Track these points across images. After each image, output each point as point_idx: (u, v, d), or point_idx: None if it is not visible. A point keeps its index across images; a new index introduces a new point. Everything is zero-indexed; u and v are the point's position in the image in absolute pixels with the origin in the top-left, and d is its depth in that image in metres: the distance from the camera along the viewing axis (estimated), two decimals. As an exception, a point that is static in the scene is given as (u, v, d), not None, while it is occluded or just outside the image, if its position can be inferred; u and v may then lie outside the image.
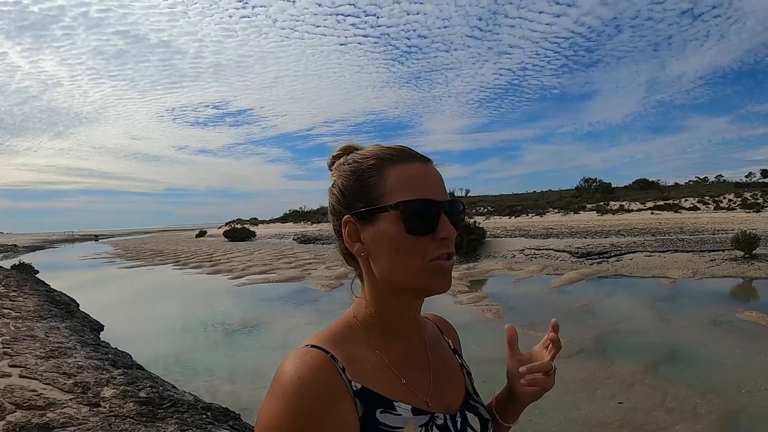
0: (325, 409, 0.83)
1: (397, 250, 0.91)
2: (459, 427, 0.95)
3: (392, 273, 0.92)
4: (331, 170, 1.02)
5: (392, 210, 0.90)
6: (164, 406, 4.86)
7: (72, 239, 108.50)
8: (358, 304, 0.99)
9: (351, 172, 0.96)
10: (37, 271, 22.56)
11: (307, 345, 0.91)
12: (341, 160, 1.00)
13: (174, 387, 6.68)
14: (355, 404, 0.86)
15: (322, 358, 0.87)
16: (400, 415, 0.88)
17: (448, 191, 0.99)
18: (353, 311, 0.99)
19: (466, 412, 1.00)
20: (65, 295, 15.04)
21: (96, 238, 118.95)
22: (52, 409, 3.99)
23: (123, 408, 4.43)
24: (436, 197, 0.93)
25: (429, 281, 0.92)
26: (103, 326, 11.79)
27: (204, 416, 5.00)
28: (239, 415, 6.07)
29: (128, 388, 5.07)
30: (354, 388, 0.87)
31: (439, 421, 0.93)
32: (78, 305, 13.89)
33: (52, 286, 16.66)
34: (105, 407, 4.35)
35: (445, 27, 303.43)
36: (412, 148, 0.99)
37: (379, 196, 0.92)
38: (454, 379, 1.06)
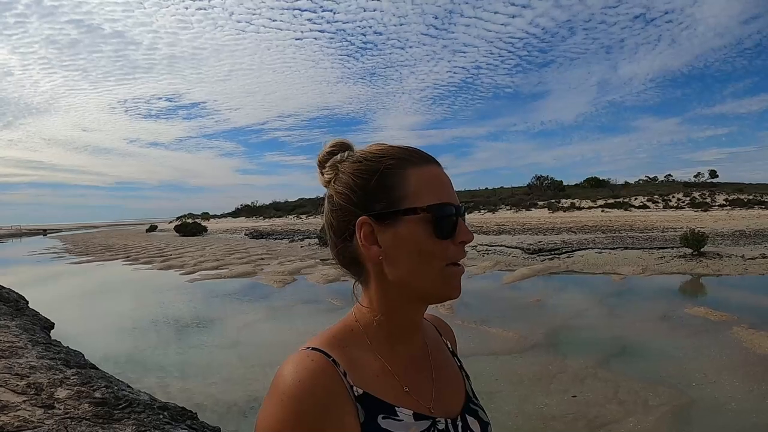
0: (326, 415, 0.80)
1: (419, 253, 0.89)
2: (460, 431, 0.95)
3: (410, 277, 0.90)
4: (324, 167, 0.98)
5: (422, 213, 0.88)
6: (120, 406, 4.77)
7: (19, 234, 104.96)
8: (360, 309, 0.96)
9: (367, 171, 0.92)
10: (-17, 267, 21.90)
11: (308, 347, 0.88)
12: (340, 156, 0.97)
13: (129, 386, 6.54)
14: (356, 410, 0.84)
15: (323, 362, 0.85)
16: (402, 420, 0.87)
17: None
18: (355, 315, 0.96)
19: (467, 416, 0.99)
20: (14, 291, 14.57)
21: (44, 232, 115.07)
22: (5, 412, 3.88)
23: (78, 409, 4.34)
24: (454, 201, 0.93)
25: (444, 287, 0.91)
26: (53, 324, 11.45)
27: (161, 416, 4.93)
28: (196, 414, 6.00)
29: (83, 389, 4.95)
30: (355, 394, 0.85)
31: (441, 426, 0.92)
32: (27, 302, 13.48)
33: (-1, 283, 16.17)
34: (60, 409, 4.25)
35: (401, 24, 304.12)
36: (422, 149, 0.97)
37: (400, 198, 0.90)
38: (454, 383, 1.05)
